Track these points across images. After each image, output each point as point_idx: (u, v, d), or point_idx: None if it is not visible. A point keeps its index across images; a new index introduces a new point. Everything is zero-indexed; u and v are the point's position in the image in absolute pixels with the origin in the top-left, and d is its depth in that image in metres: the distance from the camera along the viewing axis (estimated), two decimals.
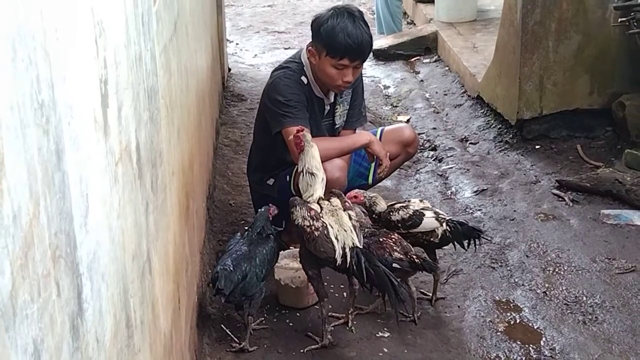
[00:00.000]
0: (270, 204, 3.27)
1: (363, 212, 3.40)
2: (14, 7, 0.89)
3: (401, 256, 3.11)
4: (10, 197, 0.86)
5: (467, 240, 3.26)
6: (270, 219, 3.21)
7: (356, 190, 3.45)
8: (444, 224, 3.25)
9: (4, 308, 0.82)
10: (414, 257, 3.13)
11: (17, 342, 0.86)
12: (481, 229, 3.48)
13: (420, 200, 3.43)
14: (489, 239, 3.73)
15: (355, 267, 2.86)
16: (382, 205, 3.36)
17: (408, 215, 3.27)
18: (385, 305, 3.08)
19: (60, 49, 1.08)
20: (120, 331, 1.45)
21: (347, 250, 2.89)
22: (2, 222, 0.83)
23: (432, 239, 3.27)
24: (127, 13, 1.65)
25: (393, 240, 3.19)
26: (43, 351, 0.94)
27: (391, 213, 3.31)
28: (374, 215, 3.37)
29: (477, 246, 3.34)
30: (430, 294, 3.36)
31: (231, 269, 2.92)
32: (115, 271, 1.41)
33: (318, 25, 3.43)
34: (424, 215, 3.26)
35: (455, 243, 3.27)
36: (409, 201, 3.41)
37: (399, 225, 3.28)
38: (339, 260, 2.89)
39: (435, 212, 3.31)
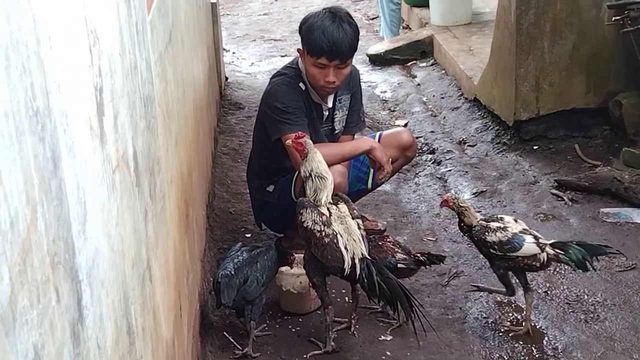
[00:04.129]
0: (292, 256, 3.25)
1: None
2: (5, 15, 0.90)
3: (404, 256, 3.13)
4: (7, 204, 0.86)
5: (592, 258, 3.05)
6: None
7: (449, 194, 3.32)
8: (547, 249, 3.04)
9: (3, 313, 0.83)
10: (418, 254, 3.17)
11: (17, 347, 0.86)
12: (607, 245, 3.24)
13: (515, 220, 3.20)
14: (619, 252, 3.33)
15: (366, 280, 2.85)
16: (471, 219, 3.16)
17: (507, 238, 3.06)
18: (400, 318, 3.04)
19: (54, 57, 1.08)
20: (122, 338, 1.45)
21: (357, 261, 2.88)
22: (0, 228, 0.84)
23: (533, 263, 3.07)
24: (122, 22, 1.66)
25: (391, 242, 3.20)
26: (44, 357, 0.94)
27: (487, 233, 3.09)
28: (462, 225, 3.21)
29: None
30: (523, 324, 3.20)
31: (232, 273, 2.93)
32: (115, 278, 1.42)
33: (301, 24, 3.48)
34: (524, 239, 3.06)
35: (575, 266, 3.04)
36: (501, 219, 3.18)
37: (495, 247, 3.07)
38: (347, 271, 2.89)
39: (534, 237, 3.09)
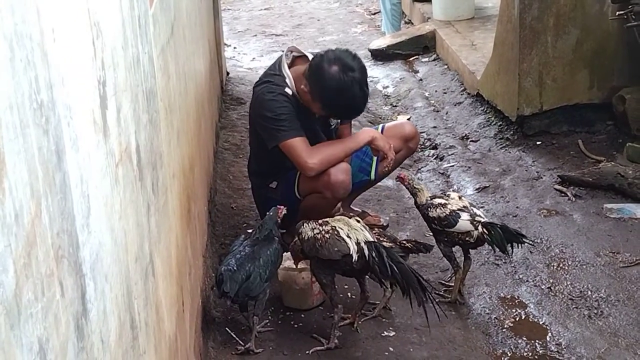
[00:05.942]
0: (279, 206, 3.26)
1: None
2: (10, 6, 0.89)
3: (390, 244, 3.15)
4: (12, 196, 0.85)
5: (509, 245, 3.16)
6: (279, 221, 3.20)
7: (405, 172, 3.49)
8: (480, 227, 3.19)
9: (8, 306, 0.82)
10: (404, 242, 3.24)
11: (22, 341, 0.85)
12: (524, 234, 3.32)
13: (460, 197, 3.37)
14: (532, 243, 3.58)
15: (377, 262, 2.86)
16: (422, 198, 3.35)
17: (444, 214, 3.24)
18: (412, 304, 3.04)
19: (58, 50, 1.08)
20: (125, 332, 1.45)
21: (363, 244, 2.90)
22: (5, 221, 0.83)
23: (467, 239, 3.24)
24: (124, 15, 1.65)
25: (377, 233, 3.24)
26: (48, 350, 0.94)
27: (429, 208, 3.29)
28: (417, 205, 3.40)
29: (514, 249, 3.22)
30: (450, 296, 3.35)
31: (235, 268, 2.92)
32: (118, 272, 1.41)
33: (320, 77, 3.29)
34: (459, 217, 3.22)
35: (495, 247, 3.20)
36: (448, 196, 3.37)
37: (435, 222, 3.28)
38: (354, 256, 2.89)
39: (471, 215, 3.24)
